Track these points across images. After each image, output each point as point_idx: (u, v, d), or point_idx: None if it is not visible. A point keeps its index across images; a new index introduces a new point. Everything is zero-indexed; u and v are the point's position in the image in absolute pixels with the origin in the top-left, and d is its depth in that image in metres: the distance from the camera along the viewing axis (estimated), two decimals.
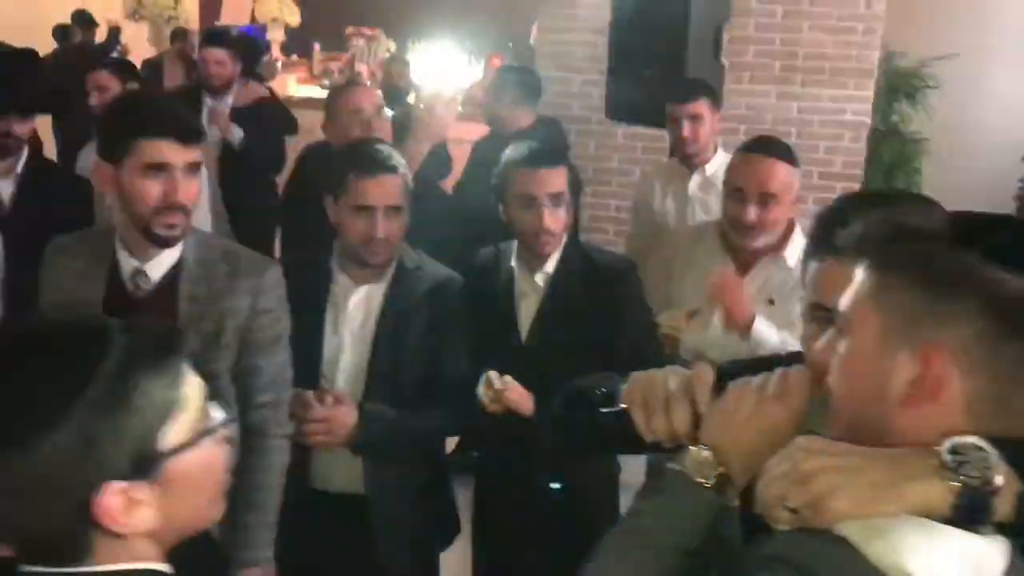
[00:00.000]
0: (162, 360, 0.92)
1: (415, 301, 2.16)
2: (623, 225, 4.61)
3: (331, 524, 2.15)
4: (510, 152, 2.30)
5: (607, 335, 2.19)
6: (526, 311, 2.27)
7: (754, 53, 4.79)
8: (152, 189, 1.70)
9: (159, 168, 1.70)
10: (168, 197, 1.70)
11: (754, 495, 0.93)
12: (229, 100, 4.24)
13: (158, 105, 1.79)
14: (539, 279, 2.26)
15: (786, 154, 2.33)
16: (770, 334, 2.21)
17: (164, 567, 0.94)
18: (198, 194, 1.76)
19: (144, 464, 0.88)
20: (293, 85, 8.45)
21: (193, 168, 1.74)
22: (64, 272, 1.85)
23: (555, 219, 2.19)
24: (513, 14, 8.62)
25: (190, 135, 1.73)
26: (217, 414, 0.97)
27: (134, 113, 1.76)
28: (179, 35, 8.10)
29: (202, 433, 0.93)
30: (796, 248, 2.31)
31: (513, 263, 2.30)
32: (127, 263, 1.81)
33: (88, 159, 3.48)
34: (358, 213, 2.08)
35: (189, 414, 0.92)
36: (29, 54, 3.37)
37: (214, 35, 4.52)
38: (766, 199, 2.28)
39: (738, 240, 2.36)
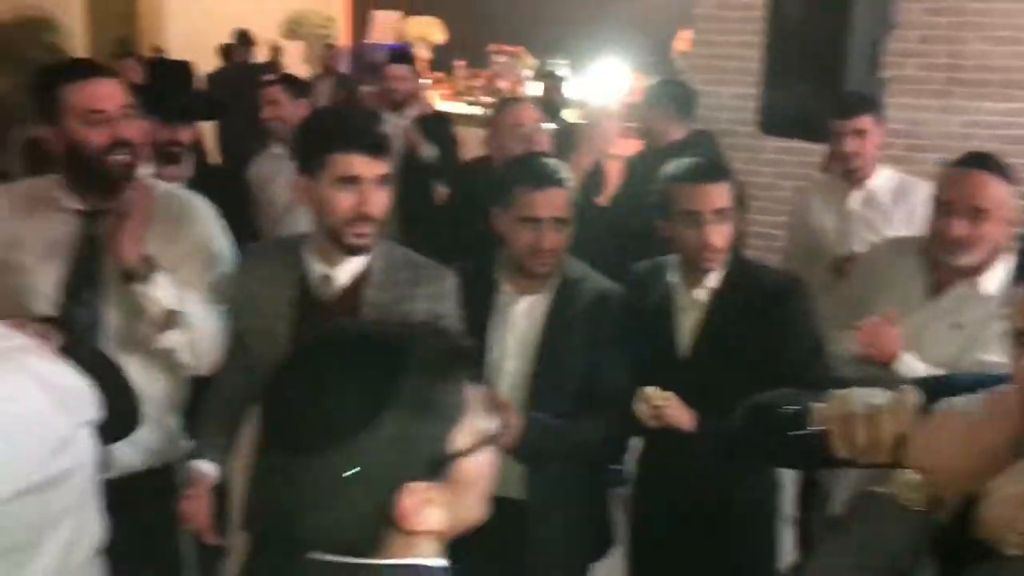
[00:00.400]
0: (454, 367, 0.96)
1: (578, 312, 2.19)
2: (772, 241, 4.52)
3: (490, 527, 2.19)
4: (672, 167, 2.29)
5: (771, 353, 2.16)
6: (686, 326, 2.26)
7: (915, 65, 4.62)
8: (344, 201, 1.79)
9: (351, 181, 1.78)
10: (359, 208, 1.79)
11: (973, 518, 0.91)
12: (410, 115, 4.34)
13: (350, 121, 1.89)
14: (700, 294, 2.25)
15: (1002, 170, 2.23)
16: (917, 368, 2.13)
17: (444, 563, 0.98)
18: (387, 205, 1.84)
19: (437, 466, 0.93)
20: (437, 101, 8.68)
21: (382, 180, 1.82)
22: (256, 276, 1.97)
23: (719, 235, 2.18)
24: (654, 31, 8.59)
25: (380, 149, 1.81)
26: (491, 420, 1.00)
27: (328, 129, 1.85)
28: (328, 53, 8.49)
29: (484, 438, 0.97)
30: (997, 275, 2.22)
31: (673, 277, 2.30)
32: (316, 269, 1.91)
33: (259, 168, 3.68)
34: (525, 224, 2.12)
35: (473, 419, 0.96)
36: (185, 65, 3.60)
37: (395, 52, 4.65)
38: (976, 214, 2.18)
39: (942, 256, 2.27)
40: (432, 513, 0.92)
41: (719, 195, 2.18)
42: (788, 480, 2.69)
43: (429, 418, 0.92)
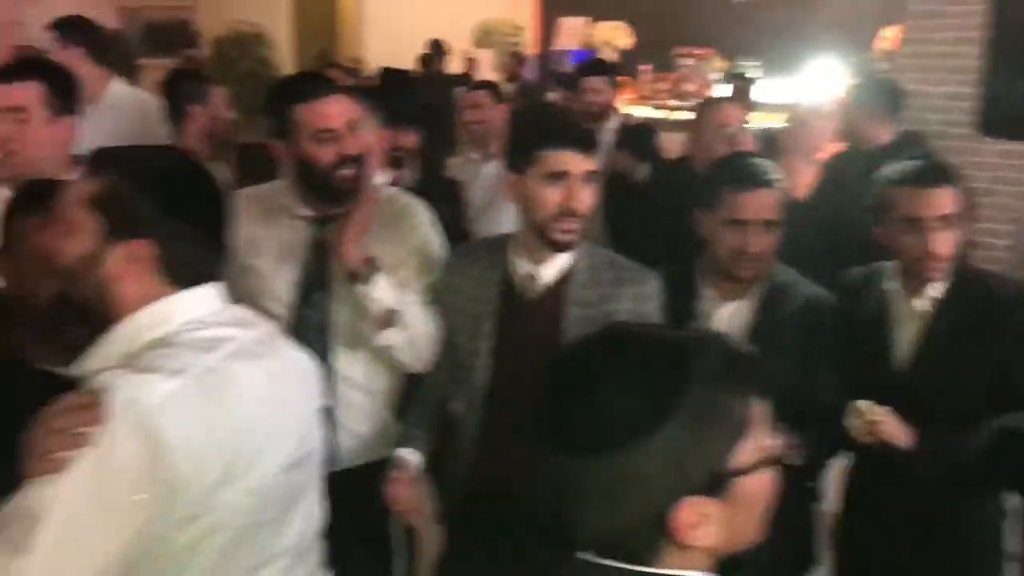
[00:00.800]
0: (740, 380, 0.93)
1: (785, 319, 2.10)
2: (990, 250, 4.19)
3: None
4: (892, 169, 2.15)
5: (1000, 369, 2.00)
6: (904, 338, 2.12)
7: None
8: (552, 196, 1.81)
9: (560, 176, 1.80)
10: (566, 203, 1.80)
11: None
12: (609, 127, 4.04)
13: (559, 118, 1.91)
14: (920, 304, 2.11)
15: None
16: None
17: None
18: (593, 202, 1.84)
19: (718, 482, 0.89)
20: (623, 106, 8.65)
21: (589, 177, 1.82)
22: (462, 275, 2.02)
23: (943, 243, 2.03)
24: (853, 30, 8.19)
25: (588, 146, 1.82)
26: (774, 439, 0.95)
27: (539, 126, 1.89)
28: (513, 61, 8.66)
29: (768, 457, 0.93)
30: None
31: (890, 286, 2.17)
32: (521, 267, 1.93)
33: (455, 172, 3.76)
34: (732, 227, 2.06)
35: (758, 436, 0.92)
36: (404, 74, 3.69)
37: (593, 64, 4.35)
38: None
39: None
40: (709, 530, 0.89)
41: (945, 200, 2.04)
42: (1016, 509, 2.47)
43: (713, 430, 0.89)
